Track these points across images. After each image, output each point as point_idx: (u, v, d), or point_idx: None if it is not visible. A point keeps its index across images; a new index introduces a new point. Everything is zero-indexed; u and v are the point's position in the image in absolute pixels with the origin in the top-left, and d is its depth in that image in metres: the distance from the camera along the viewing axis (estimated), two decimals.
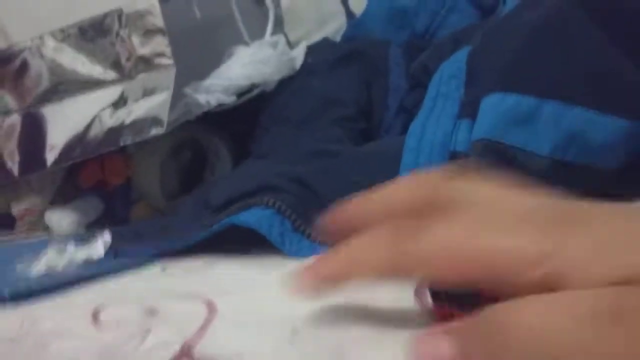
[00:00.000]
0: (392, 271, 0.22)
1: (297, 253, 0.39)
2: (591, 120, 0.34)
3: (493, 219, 0.21)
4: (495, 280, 0.19)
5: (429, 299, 0.24)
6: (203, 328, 0.28)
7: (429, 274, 0.22)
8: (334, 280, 0.24)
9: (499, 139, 0.34)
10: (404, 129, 0.52)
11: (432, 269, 0.21)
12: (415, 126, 0.39)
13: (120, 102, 0.59)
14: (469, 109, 0.38)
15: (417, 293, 0.26)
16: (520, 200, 0.22)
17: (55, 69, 0.63)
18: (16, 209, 0.66)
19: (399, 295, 0.28)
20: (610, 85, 0.35)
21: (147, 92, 0.58)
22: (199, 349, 0.26)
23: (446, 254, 0.21)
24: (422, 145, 0.38)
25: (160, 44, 0.58)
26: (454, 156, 0.37)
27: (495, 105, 0.35)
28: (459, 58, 0.41)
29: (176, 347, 0.26)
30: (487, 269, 0.19)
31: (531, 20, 0.38)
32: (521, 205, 0.21)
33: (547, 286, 0.18)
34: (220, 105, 0.60)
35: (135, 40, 0.59)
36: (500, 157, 0.34)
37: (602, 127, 0.33)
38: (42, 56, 0.63)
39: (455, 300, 0.22)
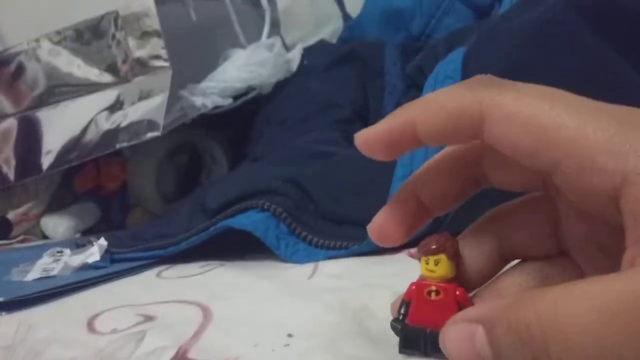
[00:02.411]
0: (460, 107, 0.20)
1: (292, 256, 0.39)
2: None
3: (575, 102, 0.19)
4: (563, 163, 0.18)
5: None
6: (198, 333, 0.28)
7: (499, 131, 0.19)
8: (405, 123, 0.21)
9: None
10: None
11: (505, 124, 0.19)
12: None
13: (116, 106, 0.59)
14: None
15: None
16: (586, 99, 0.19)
17: (51, 72, 0.63)
18: (12, 215, 0.65)
19: (394, 299, 0.28)
20: (605, 87, 0.35)
21: (143, 95, 0.58)
22: (194, 354, 0.26)
23: (527, 112, 0.19)
24: None
25: (156, 46, 0.58)
26: None
27: None
28: (455, 58, 0.41)
29: (171, 352, 0.26)
30: (564, 144, 0.18)
31: (527, 21, 0.38)
32: (590, 101, 0.19)
33: (613, 186, 0.17)
34: (216, 107, 0.60)
35: (132, 42, 0.59)
36: None
37: None
38: (38, 59, 0.63)
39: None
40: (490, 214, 0.24)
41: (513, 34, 0.38)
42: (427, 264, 0.23)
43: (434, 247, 0.23)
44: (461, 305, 0.22)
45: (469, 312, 0.19)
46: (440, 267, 0.22)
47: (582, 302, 0.16)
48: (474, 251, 0.24)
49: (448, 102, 0.20)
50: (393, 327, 0.23)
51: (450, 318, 0.19)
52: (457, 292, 0.22)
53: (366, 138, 0.22)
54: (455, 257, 0.23)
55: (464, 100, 0.20)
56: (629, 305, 0.15)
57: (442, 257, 0.22)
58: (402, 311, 0.23)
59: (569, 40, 0.36)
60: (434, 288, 0.22)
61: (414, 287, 0.23)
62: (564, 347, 0.16)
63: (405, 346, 0.22)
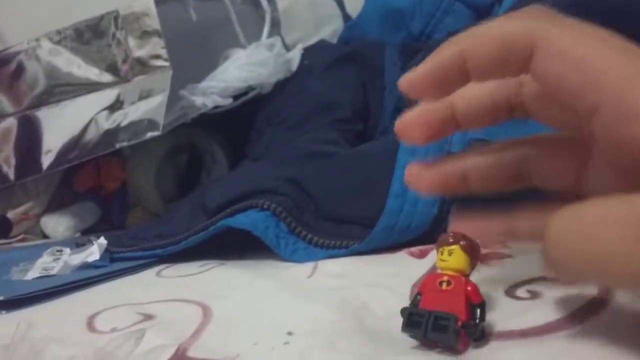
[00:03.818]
0: (511, 37, 0.20)
1: (292, 255, 0.39)
2: None
3: (623, 47, 0.19)
4: (605, 107, 0.18)
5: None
6: (198, 332, 0.28)
7: (547, 66, 0.19)
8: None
9: (495, 137, 0.34)
10: None
11: (557, 56, 0.19)
12: None
13: (116, 105, 0.59)
14: None
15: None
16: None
17: (51, 71, 0.63)
18: (12, 214, 0.65)
19: (393, 300, 0.28)
20: None
21: (144, 95, 0.58)
22: (193, 352, 0.26)
23: (579, 50, 0.19)
24: (418, 146, 0.38)
25: (157, 45, 0.58)
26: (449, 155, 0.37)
27: None
28: None
29: (171, 351, 0.26)
30: (610, 89, 0.18)
31: None
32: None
33: None
34: (216, 107, 0.60)
35: (132, 42, 0.59)
36: None
37: None
38: (38, 59, 0.63)
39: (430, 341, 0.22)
40: (519, 138, 0.24)
41: None
42: (441, 254, 0.23)
43: (450, 239, 0.23)
44: (470, 300, 0.22)
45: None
46: (453, 257, 0.23)
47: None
48: (492, 158, 0.24)
49: (500, 31, 0.20)
50: (401, 311, 0.23)
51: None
52: (469, 287, 0.22)
53: (412, 80, 0.22)
54: (471, 252, 0.23)
55: (516, 30, 0.20)
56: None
57: (456, 248, 0.23)
58: (414, 300, 0.23)
59: None
60: (445, 278, 0.22)
61: (427, 278, 0.23)
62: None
63: (408, 325, 0.22)
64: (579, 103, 0.19)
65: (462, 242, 0.23)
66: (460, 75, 0.21)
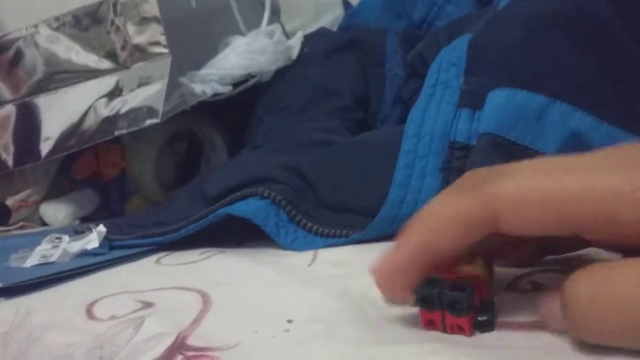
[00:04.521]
0: (471, 218, 0.20)
1: (292, 244, 0.39)
2: (594, 126, 0.34)
3: (572, 164, 0.19)
4: (591, 223, 0.18)
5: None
6: (197, 319, 0.28)
7: (516, 221, 0.19)
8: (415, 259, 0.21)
9: (505, 134, 0.34)
10: (401, 120, 0.52)
11: (522, 210, 0.19)
12: (414, 113, 0.38)
13: (115, 92, 0.59)
14: (469, 99, 0.38)
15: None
16: (581, 155, 0.20)
17: (49, 58, 0.62)
18: (11, 201, 0.65)
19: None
20: (621, 79, 0.34)
21: (143, 82, 0.58)
22: (193, 340, 0.26)
23: (536, 195, 0.19)
24: (422, 133, 0.37)
25: (156, 32, 0.58)
26: (453, 146, 0.37)
27: (504, 101, 0.35)
28: (459, 46, 0.40)
29: (171, 338, 0.26)
30: (583, 210, 0.18)
31: (540, 10, 0.38)
32: (587, 155, 0.19)
33: None
34: (216, 95, 0.60)
35: (131, 28, 0.58)
36: (504, 153, 0.34)
37: (605, 134, 0.33)
38: (36, 45, 0.63)
39: (441, 306, 0.22)
40: None
41: (523, 21, 0.38)
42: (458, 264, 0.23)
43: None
44: (481, 295, 0.22)
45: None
46: (472, 265, 0.22)
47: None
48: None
49: (457, 215, 0.20)
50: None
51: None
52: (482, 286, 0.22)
53: (384, 275, 0.22)
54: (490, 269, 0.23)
55: (471, 207, 0.20)
56: None
57: (477, 258, 0.23)
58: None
59: (588, 32, 0.36)
60: (461, 273, 0.22)
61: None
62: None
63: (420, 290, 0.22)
64: (564, 233, 0.19)
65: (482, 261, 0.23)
66: (434, 265, 0.21)
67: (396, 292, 0.22)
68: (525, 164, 0.20)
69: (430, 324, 0.22)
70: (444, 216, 0.21)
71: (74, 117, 0.60)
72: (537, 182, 0.19)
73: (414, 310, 0.23)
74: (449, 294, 0.21)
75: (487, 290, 0.23)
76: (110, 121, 0.57)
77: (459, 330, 0.22)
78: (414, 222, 0.22)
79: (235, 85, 0.61)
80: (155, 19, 0.57)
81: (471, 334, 0.21)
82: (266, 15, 0.69)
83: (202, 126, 0.67)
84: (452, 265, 0.22)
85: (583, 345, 0.19)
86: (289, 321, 0.26)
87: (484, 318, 0.22)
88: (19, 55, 0.64)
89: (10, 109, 0.64)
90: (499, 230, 0.20)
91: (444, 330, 0.22)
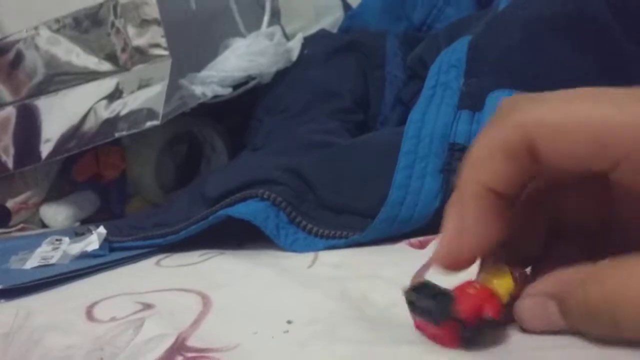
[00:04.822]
0: (508, 144, 0.19)
1: (292, 245, 0.39)
2: None
3: (613, 93, 0.18)
4: (630, 153, 0.18)
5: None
6: (197, 321, 0.28)
7: (557, 142, 0.19)
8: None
9: None
10: (400, 122, 0.52)
11: (560, 134, 0.18)
12: (414, 115, 0.38)
13: (115, 94, 0.59)
14: (469, 100, 0.38)
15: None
16: (620, 88, 0.19)
17: (50, 60, 0.62)
18: (11, 203, 0.65)
19: (392, 290, 0.28)
20: (620, 80, 0.34)
21: (143, 84, 0.58)
22: (193, 341, 0.26)
23: (575, 119, 0.18)
24: (422, 135, 0.37)
25: (156, 34, 0.58)
26: (453, 147, 0.37)
27: None
28: (459, 48, 0.40)
29: (171, 340, 0.26)
30: (623, 137, 0.18)
31: (540, 12, 0.38)
32: (626, 89, 0.19)
33: None
34: (216, 97, 0.60)
35: (131, 30, 0.59)
36: None
37: None
38: (36, 47, 0.63)
39: (417, 311, 0.21)
40: (539, 186, 0.23)
41: (523, 24, 0.38)
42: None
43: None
44: (486, 310, 0.21)
45: (540, 286, 0.20)
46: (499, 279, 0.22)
47: None
48: (526, 228, 0.23)
49: (493, 143, 0.20)
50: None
51: (526, 289, 0.21)
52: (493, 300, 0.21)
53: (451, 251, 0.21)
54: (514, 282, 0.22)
55: (507, 133, 0.20)
56: None
57: (505, 268, 0.22)
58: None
59: (588, 34, 0.36)
60: (477, 285, 0.21)
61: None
62: (634, 321, 0.18)
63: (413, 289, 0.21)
64: (595, 168, 0.19)
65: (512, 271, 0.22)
66: (496, 203, 0.20)
67: (466, 253, 0.21)
68: (565, 91, 0.19)
69: (419, 329, 0.22)
70: (483, 149, 0.20)
71: (74, 119, 0.60)
72: (577, 107, 0.19)
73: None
74: (424, 300, 0.21)
75: (497, 309, 0.21)
76: (111, 123, 0.57)
77: (440, 340, 0.21)
78: (461, 169, 0.21)
79: (236, 87, 0.61)
80: (155, 21, 0.57)
81: (456, 346, 0.21)
82: (266, 17, 0.69)
83: (202, 128, 0.67)
84: (482, 276, 0.22)
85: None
86: (289, 322, 0.26)
87: (467, 334, 0.20)
88: (19, 58, 0.64)
89: (10, 111, 0.64)
90: (537, 160, 0.19)
91: (430, 338, 0.21)
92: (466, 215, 0.20)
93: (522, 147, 0.19)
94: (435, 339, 0.21)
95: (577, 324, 0.19)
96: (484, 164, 0.20)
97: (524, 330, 0.21)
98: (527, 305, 0.21)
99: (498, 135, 0.20)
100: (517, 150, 0.19)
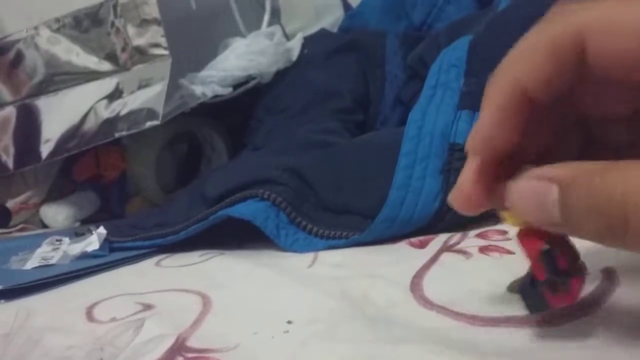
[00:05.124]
0: (557, 39, 0.18)
1: (292, 246, 0.39)
2: None
3: None
4: None
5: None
6: (197, 321, 0.28)
7: (604, 47, 0.17)
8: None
9: None
10: (401, 122, 0.52)
11: (612, 33, 0.17)
12: (415, 115, 0.38)
13: (115, 94, 0.59)
14: (469, 100, 0.38)
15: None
16: None
17: (50, 60, 0.62)
18: (11, 203, 0.65)
19: (393, 289, 0.28)
20: None
21: (143, 84, 0.58)
22: (193, 342, 0.26)
23: (629, 17, 0.17)
24: (422, 134, 0.37)
25: (156, 34, 0.58)
26: (453, 147, 0.37)
27: None
28: (459, 47, 0.40)
29: (171, 340, 0.26)
30: None
31: (541, 11, 0.38)
32: None
33: None
34: (216, 96, 0.60)
35: (131, 30, 0.58)
36: None
37: None
38: (36, 47, 0.63)
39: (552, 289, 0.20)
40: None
41: (524, 23, 0.38)
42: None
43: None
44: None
45: (545, 170, 0.17)
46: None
47: None
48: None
49: (541, 38, 0.18)
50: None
51: (526, 172, 0.18)
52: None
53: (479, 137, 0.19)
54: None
55: (557, 29, 0.18)
56: None
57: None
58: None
59: None
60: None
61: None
62: None
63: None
64: None
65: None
66: (524, 106, 0.19)
67: (489, 156, 0.19)
68: None
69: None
70: (529, 43, 0.19)
71: (75, 119, 0.60)
72: (631, 7, 0.17)
73: (414, 310, 0.23)
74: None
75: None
76: (111, 123, 0.57)
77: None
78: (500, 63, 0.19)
79: (236, 86, 0.61)
80: (155, 21, 0.57)
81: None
82: (266, 17, 0.69)
83: (202, 128, 0.67)
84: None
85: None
86: (289, 322, 0.26)
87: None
88: (19, 57, 0.64)
89: (10, 111, 0.64)
90: (584, 63, 0.18)
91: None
92: (482, 116, 0.19)
93: (570, 44, 0.18)
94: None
95: (575, 218, 0.17)
96: (524, 59, 0.18)
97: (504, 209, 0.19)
98: (523, 187, 0.18)
99: (545, 31, 0.18)
100: (564, 48, 0.18)
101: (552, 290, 0.20)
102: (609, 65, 0.18)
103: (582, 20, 0.18)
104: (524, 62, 0.18)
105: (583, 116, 0.21)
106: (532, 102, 0.19)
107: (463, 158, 0.36)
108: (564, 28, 0.18)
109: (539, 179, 0.17)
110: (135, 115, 0.57)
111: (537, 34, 0.19)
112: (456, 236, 0.34)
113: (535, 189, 0.17)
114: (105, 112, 0.58)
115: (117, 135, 0.57)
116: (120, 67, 0.60)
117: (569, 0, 0.19)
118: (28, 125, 0.63)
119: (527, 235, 0.20)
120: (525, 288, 0.22)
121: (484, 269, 0.29)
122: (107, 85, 0.60)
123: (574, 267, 0.20)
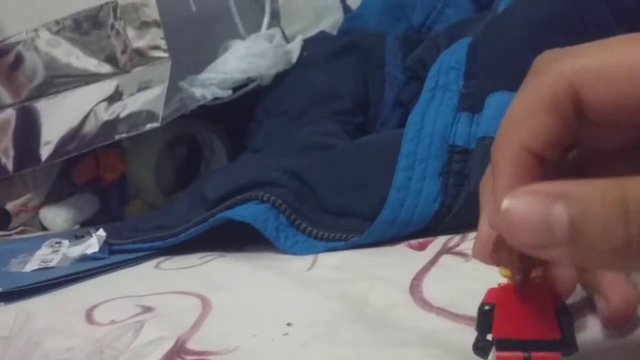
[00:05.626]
0: (551, 92, 0.17)
1: (291, 248, 0.39)
2: None
3: None
4: None
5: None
6: (197, 324, 0.28)
7: (598, 94, 0.17)
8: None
9: None
10: (400, 124, 0.52)
11: (607, 78, 0.17)
12: (414, 116, 0.38)
13: (115, 96, 0.59)
14: (468, 102, 0.38)
15: None
16: None
17: (50, 62, 0.62)
18: (11, 206, 0.65)
19: (392, 291, 0.28)
20: None
21: (143, 86, 0.58)
22: (192, 344, 0.26)
23: (623, 62, 0.17)
24: (422, 136, 0.37)
25: (156, 36, 0.58)
26: (452, 149, 0.37)
27: (503, 104, 0.35)
28: (458, 49, 0.40)
29: (170, 343, 0.26)
30: None
31: (540, 13, 0.38)
32: None
33: None
34: (215, 99, 0.60)
35: (131, 32, 0.59)
36: None
37: None
38: (36, 49, 0.63)
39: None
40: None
41: (522, 25, 0.38)
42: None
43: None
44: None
45: (543, 186, 0.15)
46: None
47: None
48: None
49: (534, 94, 0.18)
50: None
51: (517, 189, 0.16)
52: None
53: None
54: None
55: (549, 81, 0.18)
56: None
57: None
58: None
59: (586, 34, 0.36)
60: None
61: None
62: None
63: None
64: None
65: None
66: (537, 169, 0.18)
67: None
68: (601, 41, 0.18)
69: None
70: (519, 107, 0.18)
71: (74, 122, 0.60)
72: (620, 51, 0.17)
73: (414, 312, 0.23)
74: None
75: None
76: (110, 125, 0.57)
77: None
78: (498, 131, 0.19)
79: (235, 89, 0.61)
80: (155, 23, 0.57)
81: None
82: (266, 19, 0.69)
83: (202, 130, 0.67)
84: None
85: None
86: (289, 325, 0.26)
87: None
88: (19, 60, 0.64)
89: (10, 113, 0.64)
90: (581, 113, 0.18)
91: None
92: (499, 188, 0.18)
93: (565, 97, 0.18)
94: None
95: (586, 232, 0.15)
96: (521, 122, 0.18)
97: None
98: (521, 206, 0.15)
99: (536, 89, 0.18)
100: (560, 102, 0.18)
101: None
102: (605, 111, 0.18)
103: (572, 70, 0.18)
104: (527, 128, 0.18)
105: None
106: (543, 161, 0.18)
107: (462, 160, 0.36)
108: (555, 82, 0.18)
109: (540, 195, 0.15)
110: (135, 118, 0.57)
111: (530, 92, 0.18)
112: (455, 238, 0.34)
113: (538, 206, 0.15)
114: (105, 114, 0.58)
115: (116, 137, 0.57)
116: (120, 70, 0.60)
117: (550, 51, 0.19)
118: (28, 128, 0.63)
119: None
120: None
121: (483, 270, 0.28)
122: (107, 87, 0.60)
123: None
